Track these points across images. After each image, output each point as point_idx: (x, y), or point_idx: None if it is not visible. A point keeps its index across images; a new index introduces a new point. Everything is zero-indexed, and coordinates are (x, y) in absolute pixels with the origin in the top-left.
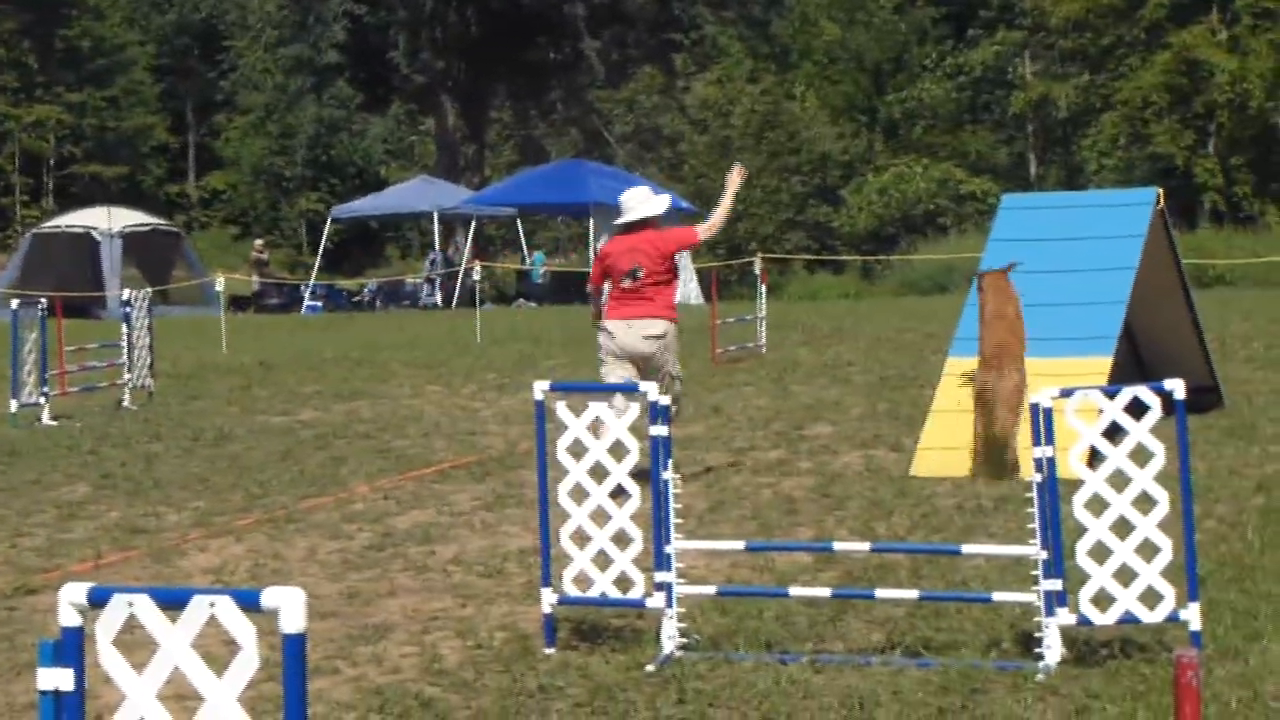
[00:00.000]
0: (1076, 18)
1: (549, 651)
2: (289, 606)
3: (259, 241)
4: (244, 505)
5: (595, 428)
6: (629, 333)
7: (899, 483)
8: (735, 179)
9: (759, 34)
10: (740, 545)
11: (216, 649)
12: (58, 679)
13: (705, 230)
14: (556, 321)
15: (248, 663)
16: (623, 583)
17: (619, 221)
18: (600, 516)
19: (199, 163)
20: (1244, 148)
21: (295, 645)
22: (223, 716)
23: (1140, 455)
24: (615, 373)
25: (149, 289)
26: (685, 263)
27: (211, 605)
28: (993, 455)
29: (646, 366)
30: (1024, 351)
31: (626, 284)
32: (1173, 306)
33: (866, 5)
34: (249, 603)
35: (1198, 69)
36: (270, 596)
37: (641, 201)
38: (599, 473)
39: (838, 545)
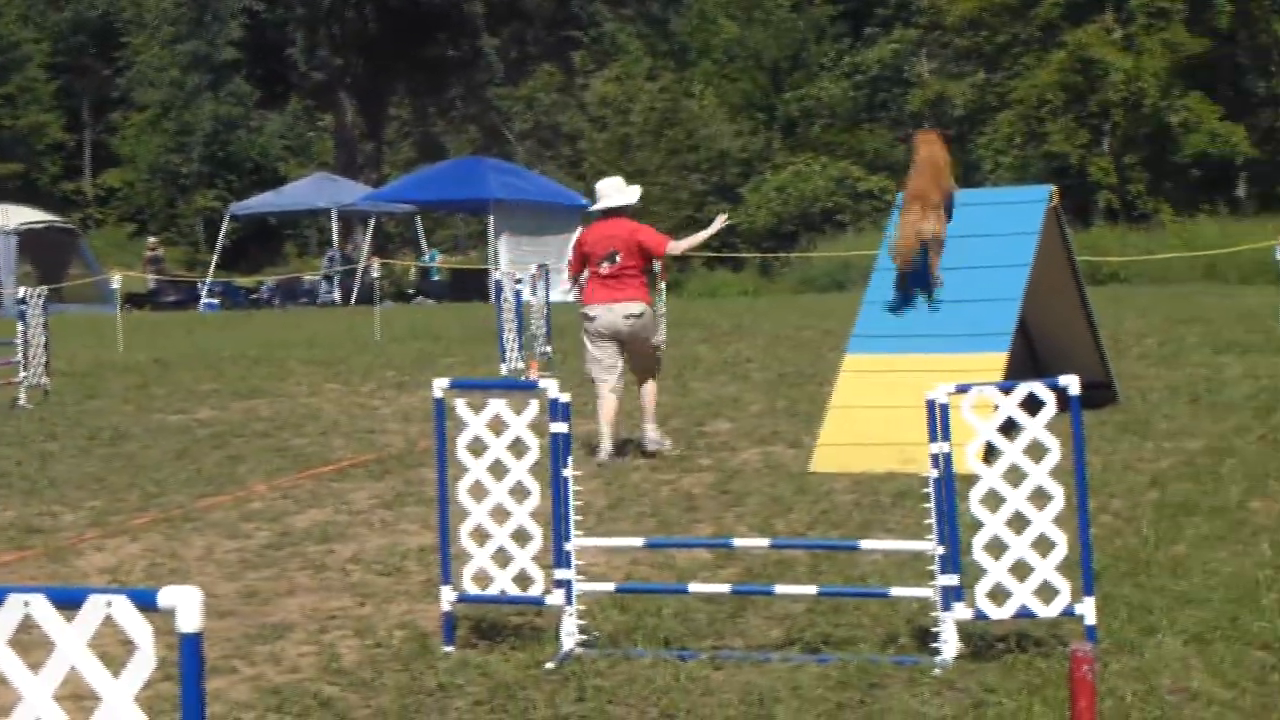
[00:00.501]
0: (972, 16)
1: (448, 650)
2: (186, 606)
3: (153, 239)
4: (140, 504)
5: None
6: (610, 315)
7: (798, 479)
8: (718, 222)
9: (657, 31)
10: (640, 542)
11: (113, 649)
12: None
13: (674, 246)
14: (455, 319)
15: (145, 662)
16: (522, 580)
17: (594, 208)
18: (500, 514)
19: (95, 160)
20: (1138, 146)
21: (192, 645)
22: (120, 716)
23: (1036, 451)
24: (599, 352)
25: (44, 287)
26: None
27: (108, 605)
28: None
29: (628, 343)
30: (942, 201)
31: (604, 268)
32: (1067, 303)
33: (764, 3)
34: (145, 602)
35: (1092, 68)
36: (167, 596)
37: (616, 190)
38: (498, 470)
39: (737, 542)
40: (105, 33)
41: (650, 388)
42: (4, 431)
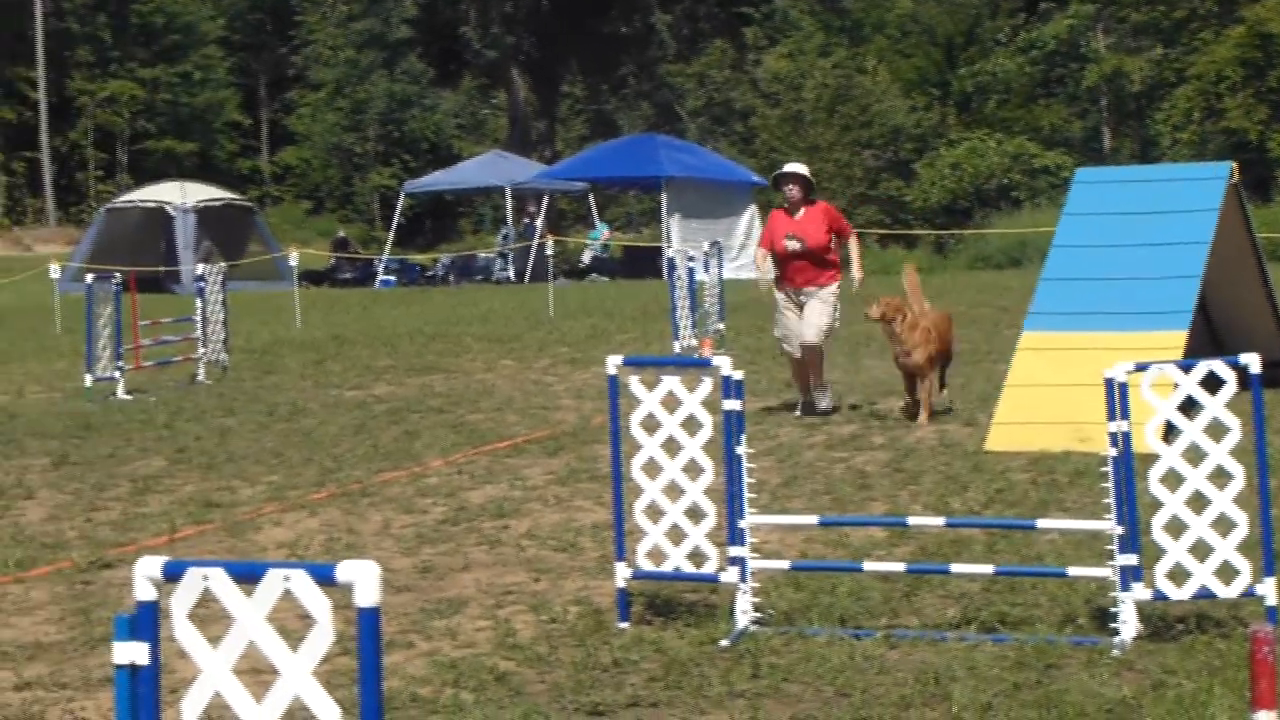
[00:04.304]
0: None
1: (623, 626)
2: (363, 580)
3: (342, 232)
4: (318, 479)
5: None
6: None
7: (973, 457)
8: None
9: (830, 7)
10: (814, 520)
11: (291, 623)
12: (133, 653)
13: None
14: (629, 296)
15: (322, 637)
16: (696, 557)
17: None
18: (673, 491)
19: (272, 138)
20: None
21: (370, 619)
22: (298, 690)
23: (1216, 430)
24: None
25: (223, 263)
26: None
27: (286, 579)
28: None
29: None
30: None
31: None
32: (1247, 280)
33: None
34: (323, 577)
35: (1271, 42)
36: (345, 570)
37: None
38: (672, 447)
39: (912, 520)
40: (280, 11)
41: None
42: (183, 407)
